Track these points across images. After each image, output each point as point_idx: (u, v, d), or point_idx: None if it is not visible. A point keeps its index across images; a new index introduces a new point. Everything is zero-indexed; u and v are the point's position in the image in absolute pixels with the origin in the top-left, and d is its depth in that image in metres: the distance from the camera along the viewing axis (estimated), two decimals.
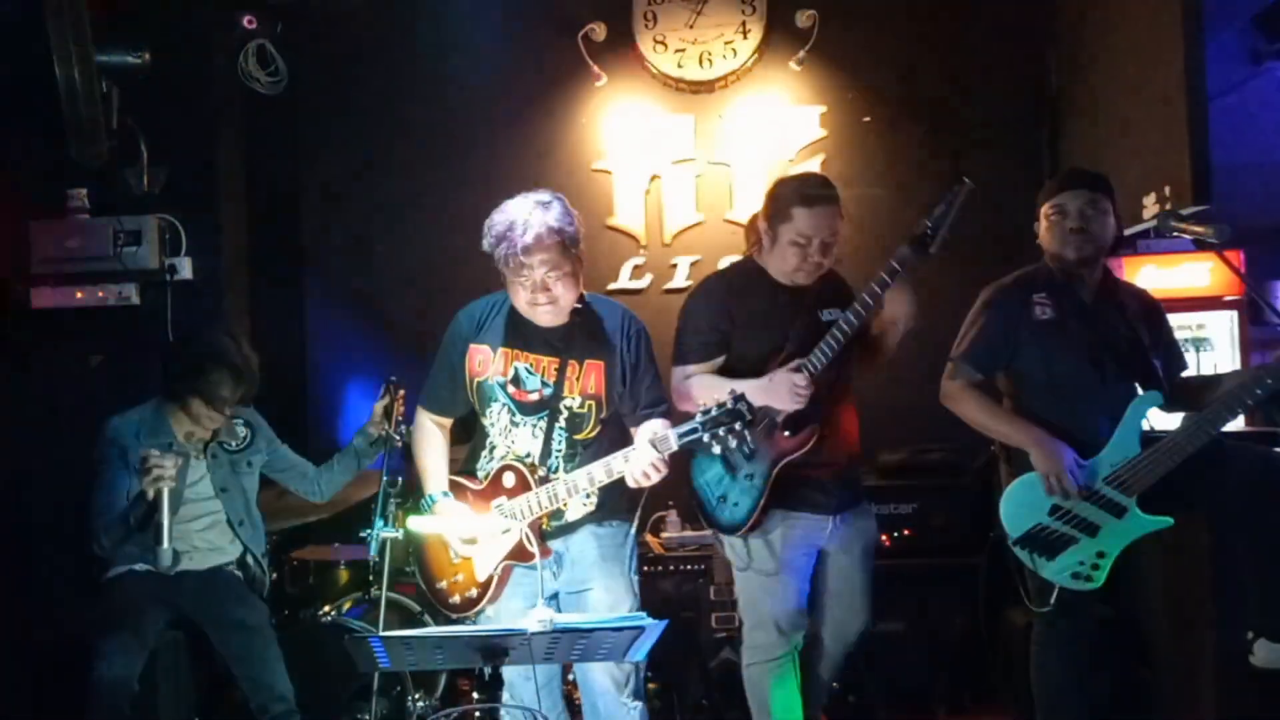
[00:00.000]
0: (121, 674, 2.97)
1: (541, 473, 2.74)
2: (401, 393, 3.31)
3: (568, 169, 4.59)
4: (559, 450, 2.76)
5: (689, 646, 3.85)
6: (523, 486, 2.72)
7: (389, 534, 3.20)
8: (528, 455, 2.77)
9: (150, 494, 2.99)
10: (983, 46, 4.53)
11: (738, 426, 2.46)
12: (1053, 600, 2.85)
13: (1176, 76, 3.45)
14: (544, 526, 2.74)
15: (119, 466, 3.22)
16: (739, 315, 2.95)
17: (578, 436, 2.78)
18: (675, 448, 2.55)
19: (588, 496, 2.75)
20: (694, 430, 2.50)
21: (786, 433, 2.85)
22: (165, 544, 3.00)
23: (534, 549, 2.59)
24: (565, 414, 2.76)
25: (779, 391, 2.78)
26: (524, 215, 2.62)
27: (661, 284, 4.60)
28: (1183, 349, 3.12)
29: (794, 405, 2.78)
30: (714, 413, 2.48)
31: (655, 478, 2.59)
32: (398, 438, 3.24)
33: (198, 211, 4.29)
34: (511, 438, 2.79)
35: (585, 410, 2.76)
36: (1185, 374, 3.06)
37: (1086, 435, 2.82)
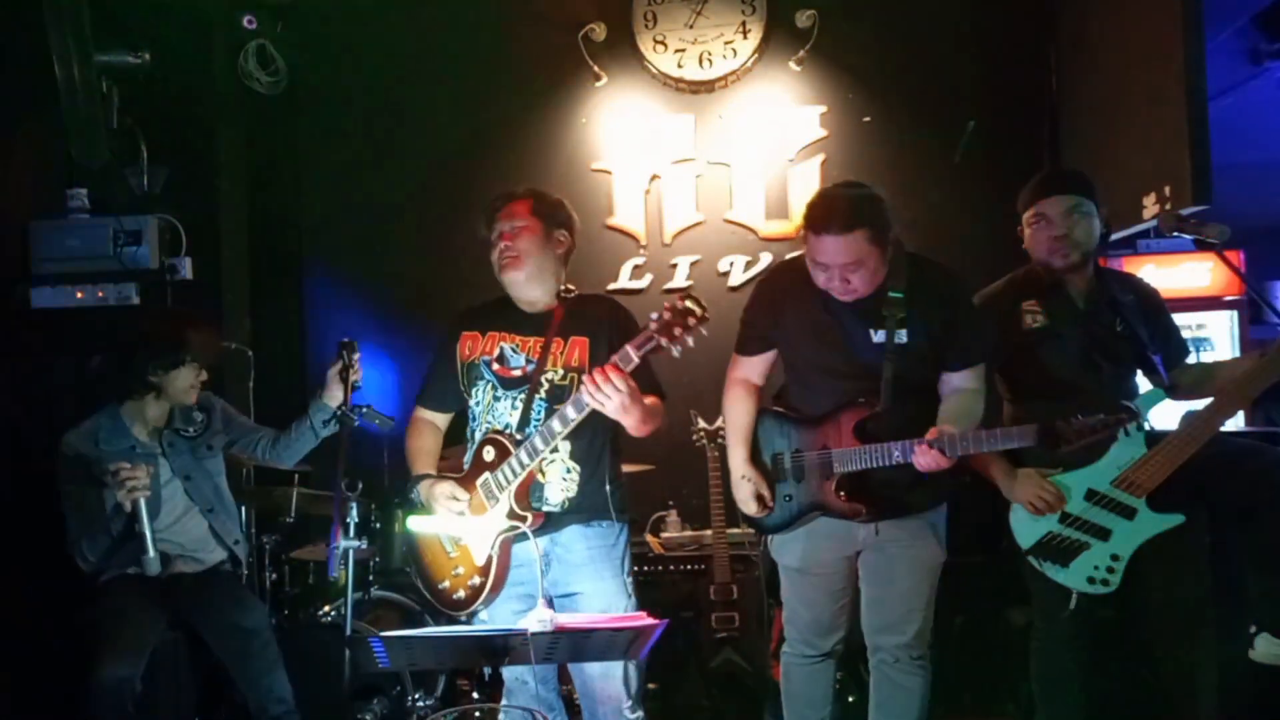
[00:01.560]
0: (124, 674, 2.97)
1: (520, 439, 2.71)
2: (356, 356, 3.07)
3: (568, 169, 4.59)
4: (539, 419, 2.73)
5: (689, 646, 3.85)
6: (503, 456, 2.70)
7: (350, 545, 2.93)
8: (506, 426, 2.76)
9: (128, 506, 3.00)
10: (983, 46, 4.52)
11: (691, 323, 2.40)
12: (1072, 605, 2.82)
13: (1176, 76, 3.44)
14: (528, 506, 2.70)
15: (85, 481, 3.20)
16: (788, 317, 2.81)
17: (559, 407, 2.71)
18: (636, 360, 2.48)
19: (568, 471, 2.74)
20: (650, 339, 2.44)
21: (841, 491, 2.73)
22: (151, 552, 3.03)
23: (522, 513, 2.63)
24: (546, 386, 2.76)
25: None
26: (508, 186, 2.86)
27: (661, 284, 4.60)
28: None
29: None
30: (665, 316, 2.41)
31: (615, 398, 2.48)
32: (354, 417, 3.03)
33: (198, 211, 4.30)
34: (493, 413, 2.80)
35: (567, 382, 2.75)
36: (1188, 360, 3.04)
37: None
